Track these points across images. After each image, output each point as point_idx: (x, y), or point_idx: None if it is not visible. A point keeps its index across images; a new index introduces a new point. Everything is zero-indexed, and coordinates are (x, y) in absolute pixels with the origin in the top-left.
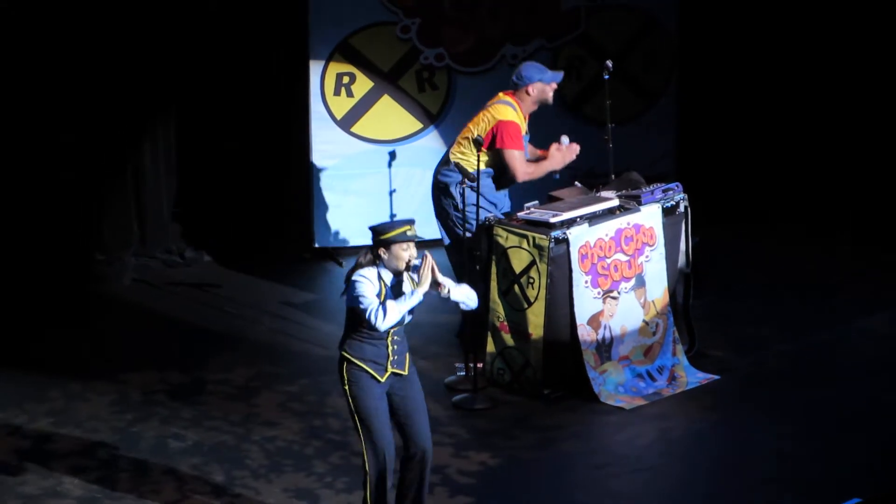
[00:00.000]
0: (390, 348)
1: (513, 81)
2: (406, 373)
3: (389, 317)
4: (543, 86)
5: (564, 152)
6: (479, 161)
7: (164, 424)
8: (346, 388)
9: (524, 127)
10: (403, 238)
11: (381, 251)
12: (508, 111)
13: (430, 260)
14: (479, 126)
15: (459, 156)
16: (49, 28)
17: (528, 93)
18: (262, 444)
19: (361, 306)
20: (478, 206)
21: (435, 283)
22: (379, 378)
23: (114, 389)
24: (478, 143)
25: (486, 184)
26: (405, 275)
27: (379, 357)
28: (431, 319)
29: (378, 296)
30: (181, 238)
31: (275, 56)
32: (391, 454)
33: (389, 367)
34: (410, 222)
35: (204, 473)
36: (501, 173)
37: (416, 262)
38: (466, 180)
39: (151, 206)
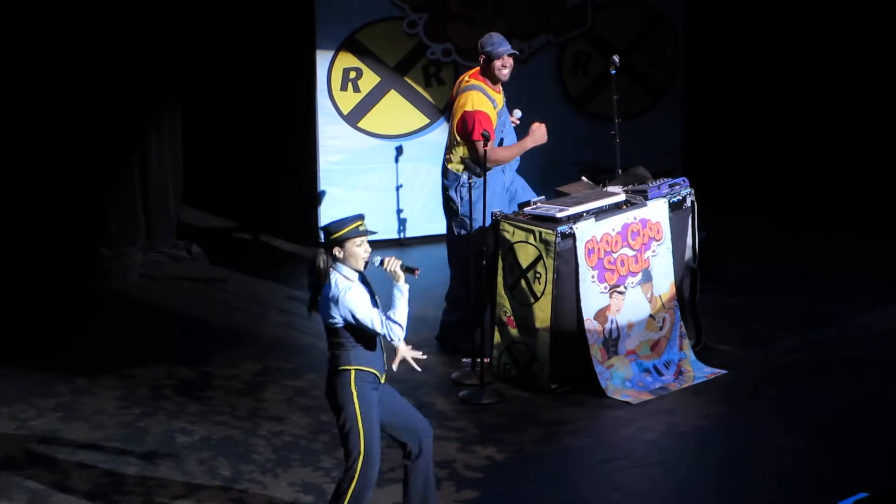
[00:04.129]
0: (382, 344)
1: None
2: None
3: (402, 323)
4: (489, 58)
5: (536, 132)
6: (485, 158)
7: (171, 419)
8: (356, 401)
9: (500, 101)
10: (356, 234)
11: (336, 250)
12: (473, 97)
13: (389, 258)
14: (454, 120)
15: (456, 164)
16: (54, 22)
17: (483, 63)
18: (269, 438)
19: (368, 326)
20: (484, 205)
21: (408, 270)
22: (381, 378)
23: (121, 384)
24: (486, 138)
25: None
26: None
27: (378, 358)
28: (438, 314)
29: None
30: (187, 233)
31: (281, 51)
32: (377, 468)
33: (386, 363)
34: (361, 217)
35: (211, 468)
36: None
37: (376, 262)
38: (474, 176)
39: (157, 202)
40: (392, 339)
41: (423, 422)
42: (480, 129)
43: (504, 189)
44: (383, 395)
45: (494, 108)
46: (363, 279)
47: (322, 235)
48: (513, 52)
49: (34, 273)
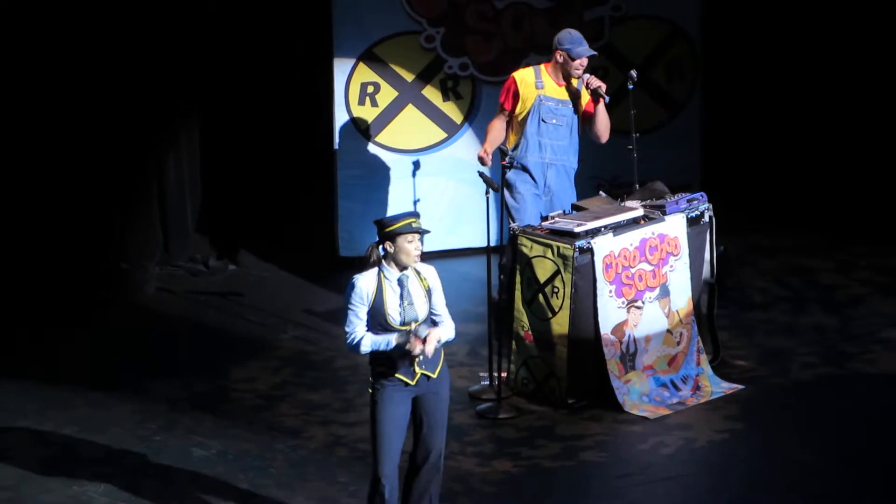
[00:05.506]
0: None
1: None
2: (436, 375)
3: (361, 349)
4: (567, 57)
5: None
6: (503, 170)
7: (187, 433)
8: (373, 415)
9: (560, 93)
10: (409, 230)
11: (388, 245)
12: (521, 70)
13: (434, 335)
14: None
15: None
16: (73, 34)
17: (556, 59)
18: (286, 452)
19: (346, 322)
20: (502, 219)
21: (413, 357)
22: (409, 381)
23: (137, 398)
24: (503, 154)
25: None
26: (406, 285)
27: (404, 360)
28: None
29: (376, 296)
30: (205, 246)
31: (299, 65)
32: (392, 467)
33: (418, 368)
34: (415, 215)
35: (228, 482)
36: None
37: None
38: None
39: (175, 215)
40: (347, 344)
41: (438, 449)
42: (502, 93)
43: (535, 196)
44: (426, 393)
45: (539, 88)
46: (401, 280)
47: (376, 230)
48: (592, 53)
49: (51, 286)
